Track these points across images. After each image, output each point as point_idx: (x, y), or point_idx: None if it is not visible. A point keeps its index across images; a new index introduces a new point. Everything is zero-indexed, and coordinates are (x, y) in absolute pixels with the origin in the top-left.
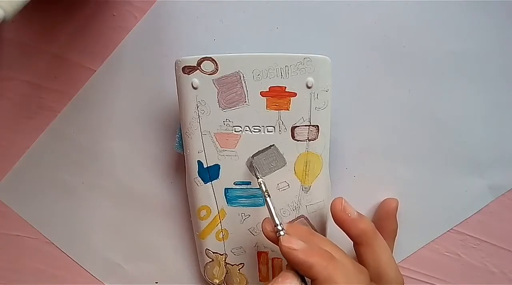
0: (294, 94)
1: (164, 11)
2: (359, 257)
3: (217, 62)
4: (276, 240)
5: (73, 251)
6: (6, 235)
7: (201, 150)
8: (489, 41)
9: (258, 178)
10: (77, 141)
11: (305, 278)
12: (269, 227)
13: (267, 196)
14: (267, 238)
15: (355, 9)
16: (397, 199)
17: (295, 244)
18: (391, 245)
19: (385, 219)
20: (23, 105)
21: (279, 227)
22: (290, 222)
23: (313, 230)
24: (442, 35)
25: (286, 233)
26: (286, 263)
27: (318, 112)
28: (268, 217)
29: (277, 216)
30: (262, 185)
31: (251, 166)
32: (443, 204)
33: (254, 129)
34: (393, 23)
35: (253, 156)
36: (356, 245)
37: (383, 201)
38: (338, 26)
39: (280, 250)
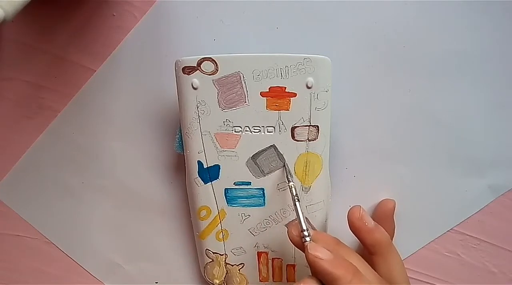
0: (294, 94)
1: (164, 11)
2: (372, 267)
3: (217, 62)
4: (301, 245)
5: (73, 251)
6: (6, 235)
7: (201, 150)
8: (489, 41)
9: (289, 182)
10: (77, 141)
11: None
12: (295, 232)
13: (296, 200)
14: (292, 242)
15: (355, 9)
16: (394, 200)
17: (322, 253)
18: None
19: (382, 221)
20: (23, 105)
21: (306, 233)
22: (291, 221)
23: (339, 240)
24: (442, 35)
25: (312, 240)
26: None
27: (318, 112)
28: (293, 221)
29: (305, 222)
30: (293, 189)
31: (283, 169)
32: (443, 204)
33: (254, 129)
34: (393, 23)
35: (253, 157)
36: (370, 254)
37: (380, 202)
38: (338, 26)
39: (306, 257)
